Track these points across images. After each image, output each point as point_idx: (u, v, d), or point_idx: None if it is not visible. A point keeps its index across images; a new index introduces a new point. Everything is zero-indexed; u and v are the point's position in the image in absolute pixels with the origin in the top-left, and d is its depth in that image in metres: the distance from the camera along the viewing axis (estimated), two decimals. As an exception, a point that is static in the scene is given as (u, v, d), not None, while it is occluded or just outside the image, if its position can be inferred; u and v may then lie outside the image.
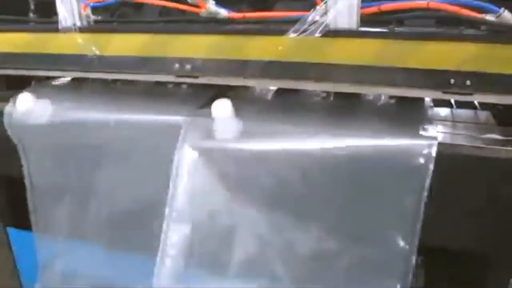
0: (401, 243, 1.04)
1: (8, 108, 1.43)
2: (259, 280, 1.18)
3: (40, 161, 1.48)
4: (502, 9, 0.98)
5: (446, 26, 1.08)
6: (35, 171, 1.50)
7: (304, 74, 1.08)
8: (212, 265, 1.23)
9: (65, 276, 1.54)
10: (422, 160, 1.01)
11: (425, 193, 1.00)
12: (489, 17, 0.99)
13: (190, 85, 1.46)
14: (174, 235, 1.20)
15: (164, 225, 1.21)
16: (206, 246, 1.21)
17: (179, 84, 1.50)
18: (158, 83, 1.55)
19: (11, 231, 1.77)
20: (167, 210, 1.21)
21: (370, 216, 1.07)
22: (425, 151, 1.01)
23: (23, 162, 1.51)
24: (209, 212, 1.19)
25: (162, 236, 1.21)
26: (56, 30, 1.29)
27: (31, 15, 1.64)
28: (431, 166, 0.99)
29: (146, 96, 1.43)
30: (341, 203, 1.09)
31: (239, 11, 1.23)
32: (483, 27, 1.02)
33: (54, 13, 1.53)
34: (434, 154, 1.00)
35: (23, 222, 1.71)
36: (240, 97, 1.36)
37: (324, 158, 1.07)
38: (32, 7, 1.64)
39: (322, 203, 1.10)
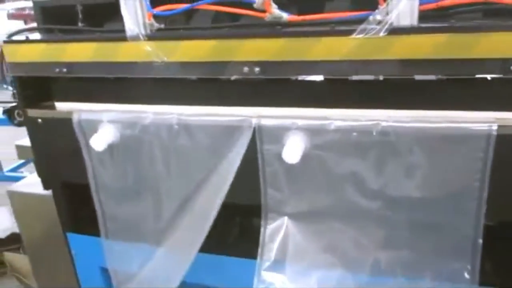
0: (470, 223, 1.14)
1: (76, 112, 1.51)
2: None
3: (107, 163, 1.56)
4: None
5: (499, 18, 1.16)
6: (102, 173, 1.59)
7: (373, 70, 1.16)
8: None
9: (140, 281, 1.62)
10: (484, 140, 1.10)
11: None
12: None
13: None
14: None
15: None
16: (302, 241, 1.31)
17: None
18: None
19: (71, 236, 1.85)
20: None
21: (442, 196, 1.17)
22: (487, 132, 1.10)
23: (88, 165, 1.59)
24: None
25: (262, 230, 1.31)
26: (124, 39, 1.36)
27: (79, 24, 1.70)
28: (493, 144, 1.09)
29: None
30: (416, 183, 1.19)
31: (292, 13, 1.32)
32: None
33: (104, 22, 1.63)
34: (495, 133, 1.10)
35: (82, 228, 1.81)
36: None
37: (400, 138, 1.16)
38: (80, 16, 1.70)
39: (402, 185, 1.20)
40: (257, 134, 1.30)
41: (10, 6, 7.36)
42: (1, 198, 3.62)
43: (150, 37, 1.35)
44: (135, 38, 1.35)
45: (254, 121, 1.30)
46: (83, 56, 1.43)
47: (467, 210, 1.16)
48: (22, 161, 4.24)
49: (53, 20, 1.66)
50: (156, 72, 1.38)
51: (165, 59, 1.34)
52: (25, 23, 3.53)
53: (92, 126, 1.50)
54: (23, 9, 3.47)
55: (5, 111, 3.67)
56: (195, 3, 1.30)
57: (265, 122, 1.29)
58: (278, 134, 1.28)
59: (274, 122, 1.29)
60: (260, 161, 1.33)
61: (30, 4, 3.79)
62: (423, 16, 1.15)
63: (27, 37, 1.57)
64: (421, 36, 1.11)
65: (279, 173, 1.31)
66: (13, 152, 4.39)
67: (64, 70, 1.47)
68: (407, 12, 1.13)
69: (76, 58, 1.45)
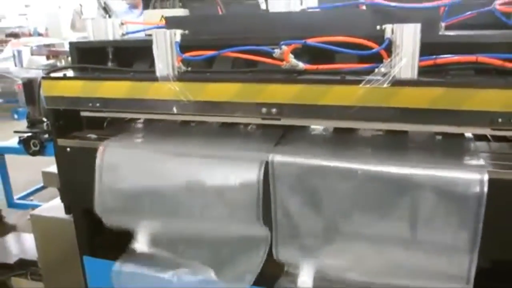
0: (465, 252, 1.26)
1: (104, 143, 1.66)
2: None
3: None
4: (537, 62, 1.23)
5: (489, 75, 1.32)
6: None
7: (377, 117, 1.32)
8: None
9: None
10: (478, 187, 1.24)
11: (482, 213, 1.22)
12: (526, 68, 1.25)
13: (257, 125, 1.71)
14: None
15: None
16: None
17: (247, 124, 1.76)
18: (224, 124, 1.80)
19: (86, 259, 1.95)
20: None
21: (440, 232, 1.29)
22: (480, 179, 1.24)
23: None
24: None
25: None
26: (155, 79, 1.53)
27: (109, 64, 1.87)
28: (485, 191, 1.23)
29: (222, 136, 1.68)
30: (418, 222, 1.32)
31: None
32: (521, 76, 1.27)
33: (132, 62, 1.81)
34: (486, 180, 1.23)
35: (97, 252, 1.91)
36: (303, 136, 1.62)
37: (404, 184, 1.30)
38: (110, 56, 1.87)
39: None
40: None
41: (27, 42, 7.67)
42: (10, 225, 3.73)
43: (179, 78, 1.51)
44: (165, 79, 1.52)
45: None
46: (116, 93, 1.59)
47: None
48: (32, 189, 4.36)
49: (86, 59, 1.83)
50: (183, 110, 1.53)
51: (191, 98, 1.50)
52: (47, 58, 3.74)
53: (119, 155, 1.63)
54: (46, 45, 3.70)
55: (21, 141, 3.83)
56: (222, 50, 1.47)
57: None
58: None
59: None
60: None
61: (52, 41, 4.01)
62: (423, 71, 1.32)
63: (64, 74, 1.73)
64: (420, 88, 1.27)
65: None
66: (24, 180, 4.54)
67: (98, 105, 1.63)
68: (409, 66, 1.30)
69: (110, 94, 1.60)
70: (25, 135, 3.82)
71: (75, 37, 4.53)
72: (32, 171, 4.77)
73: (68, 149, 1.76)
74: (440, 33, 1.47)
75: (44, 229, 2.00)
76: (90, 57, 1.83)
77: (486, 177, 1.23)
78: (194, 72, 1.55)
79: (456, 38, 1.40)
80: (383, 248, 1.35)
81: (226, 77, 1.49)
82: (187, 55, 1.51)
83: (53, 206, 2.03)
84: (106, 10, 4.14)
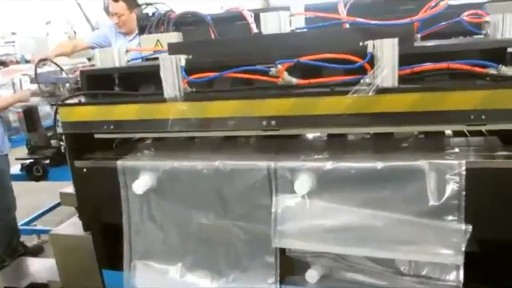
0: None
1: (121, 161, 1.81)
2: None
3: (144, 204, 1.83)
4: (500, 65, 1.42)
5: (461, 79, 1.51)
6: (137, 213, 1.86)
7: (364, 122, 1.50)
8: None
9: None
10: (457, 174, 1.42)
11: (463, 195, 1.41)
12: (492, 71, 1.44)
13: (258, 137, 1.88)
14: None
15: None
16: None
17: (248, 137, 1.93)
18: (227, 137, 1.97)
19: (106, 272, 2.08)
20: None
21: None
22: (458, 168, 1.42)
23: (125, 207, 1.86)
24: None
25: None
26: (163, 100, 1.69)
27: (116, 88, 2.03)
28: (463, 177, 1.41)
29: (228, 148, 1.84)
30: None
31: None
32: (488, 78, 1.45)
33: (138, 85, 1.97)
34: (464, 168, 1.41)
35: (116, 264, 2.05)
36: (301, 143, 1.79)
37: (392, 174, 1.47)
38: (116, 81, 2.03)
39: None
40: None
41: (18, 70, 7.79)
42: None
43: (186, 99, 1.68)
44: (173, 100, 1.68)
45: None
46: (128, 115, 1.76)
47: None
48: (35, 214, 4.47)
49: (95, 85, 1.99)
50: (189, 127, 1.69)
51: (197, 116, 1.66)
52: (46, 87, 3.87)
53: (134, 173, 1.79)
54: (43, 74, 3.86)
55: (24, 168, 3.96)
56: (223, 72, 1.64)
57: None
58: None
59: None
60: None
61: (49, 69, 4.13)
62: (403, 79, 1.50)
63: (79, 100, 1.89)
64: (400, 95, 1.46)
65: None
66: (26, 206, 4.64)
67: (112, 127, 1.79)
68: (389, 76, 1.47)
69: (123, 117, 1.77)
70: (27, 161, 3.95)
71: (71, 63, 4.68)
72: (31, 197, 4.90)
73: (85, 169, 1.91)
74: (416, 44, 1.66)
75: (64, 247, 2.13)
76: (98, 84, 1.98)
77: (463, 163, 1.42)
78: (198, 92, 1.71)
79: (430, 48, 1.59)
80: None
81: (228, 95, 1.66)
82: (191, 77, 1.68)
83: (70, 225, 2.17)
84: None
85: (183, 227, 1.80)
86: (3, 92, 7.05)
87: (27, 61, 12.21)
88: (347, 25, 1.79)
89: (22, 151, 4.55)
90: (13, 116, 7.61)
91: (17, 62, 12.44)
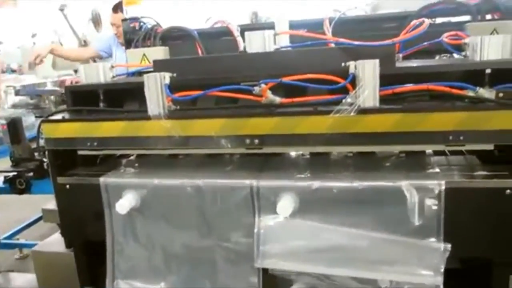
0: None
1: (103, 178, 1.80)
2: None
3: (128, 222, 1.83)
4: (478, 87, 1.45)
5: (440, 100, 1.54)
6: (121, 231, 1.85)
7: (346, 141, 1.52)
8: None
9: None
10: (436, 194, 1.44)
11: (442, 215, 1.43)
12: (470, 93, 1.47)
13: (241, 154, 1.89)
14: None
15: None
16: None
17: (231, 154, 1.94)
18: (210, 155, 1.97)
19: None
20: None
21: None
22: (438, 187, 1.44)
23: (108, 224, 1.85)
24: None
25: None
26: (147, 118, 1.70)
27: (101, 104, 2.02)
28: (443, 197, 1.43)
29: (211, 166, 1.84)
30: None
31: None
32: (466, 100, 1.49)
33: (123, 101, 1.97)
34: (444, 188, 1.44)
35: (97, 282, 2.03)
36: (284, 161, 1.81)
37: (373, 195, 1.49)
38: (101, 97, 2.03)
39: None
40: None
41: (4, 80, 7.72)
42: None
43: (169, 116, 1.68)
44: (157, 117, 1.69)
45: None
46: (112, 132, 1.75)
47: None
48: (17, 228, 4.39)
49: (80, 101, 1.99)
50: (174, 144, 1.70)
51: (182, 133, 1.67)
52: (31, 98, 3.86)
53: (117, 191, 1.78)
54: (28, 86, 3.84)
55: (7, 180, 3.90)
56: (207, 90, 1.65)
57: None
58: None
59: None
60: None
61: (34, 80, 4.10)
62: (386, 99, 1.53)
63: (63, 117, 1.88)
64: (381, 115, 1.48)
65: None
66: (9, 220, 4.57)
67: (95, 143, 1.78)
68: (371, 97, 1.50)
69: (106, 134, 1.76)
70: (11, 174, 3.90)
71: (57, 75, 4.66)
72: (12, 211, 4.83)
73: (67, 186, 1.90)
74: (398, 64, 1.69)
75: (46, 264, 2.11)
76: (83, 99, 1.98)
77: (443, 183, 1.44)
78: (182, 110, 1.72)
79: (410, 69, 1.62)
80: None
81: (212, 113, 1.67)
82: (176, 95, 1.69)
83: (52, 242, 2.15)
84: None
85: (166, 246, 1.79)
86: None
87: (13, 71, 12.13)
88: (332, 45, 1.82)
89: (5, 163, 4.51)
90: (-4, 127, 7.55)
91: (3, 72, 12.33)
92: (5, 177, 3.89)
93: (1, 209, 4.13)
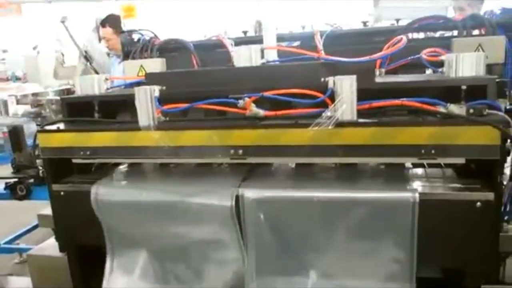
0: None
1: (94, 186, 1.89)
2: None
3: (120, 229, 1.90)
4: (449, 104, 1.53)
5: (414, 115, 1.61)
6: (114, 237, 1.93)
7: (325, 152, 1.59)
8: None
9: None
10: (410, 205, 1.51)
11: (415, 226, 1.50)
12: (441, 109, 1.55)
13: (228, 164, 1.97)
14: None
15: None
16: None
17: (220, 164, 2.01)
18: (200, 164, 2.05)
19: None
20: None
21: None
22: (412, 199, 1.52)
23: (105, 230, 1.93)
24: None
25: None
26: (138, 128, 1.78)
27: (96, 114, 2.10)
28: (417, 208, 1.50)
29: (198, 175, 1.93)
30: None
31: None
32: (437, 115, 1.56)
33: (116, 113, 2.05)
34: (417, 200, 1.51)
35: (90, 285, 2.10)
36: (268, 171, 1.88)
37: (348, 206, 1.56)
38: (96, 108, 2.11)
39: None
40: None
41: (7, 88, 7.86)
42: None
43: (158, 127, 1.76)
44: (147, 128, 1.77)
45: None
46: (104, 142, 1.84)
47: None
48: (17, 233, 4.48)
49: (75, 111, 2.07)
50: (163, 154, 1.78)
51: (170, 144, 1.75)
52: (32, 106, 3.96)
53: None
54: (32, 94, 3.95)
55: (8, 187, 3.99)
56: (194, 103, 1.73)
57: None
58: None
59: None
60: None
61: (36, 89, 4.19)
62: (367, 112, 1.60)
63: (58, 127, 1.97)
64: (358, 128, 1.56)
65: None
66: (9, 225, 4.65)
67: (88, 153, 1.87)
68: (349, 110, 1.58)
69: (99, 143, 1.85)
70: (12, 180, 3.99)
71: (58, 84, 4.77)
72: (13, 216, 4.91)
73: (62, 193, 1.98)
74: (378, 79, 1.77)
75: (40, 267, 2.18)
76: (78, 110, 2.06)
77: (417, 196, 1.52)
78: (171, 121, 1.80)
79: (388, 84, 1.71)
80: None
81: (199, 125, 1.75)
82: (165, 107, 1.77)
83: (46, 246, 2.22)
84: (87, 58, 4.41)
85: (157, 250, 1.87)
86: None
87: (18, 78, 12.30)
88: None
89: (4, 169, 4.59)
90: (-4, 134, 7.67)
91: (7, 79, 12.51)
92: (6, 183, 3.99)
93: (2, 214, 4.21)
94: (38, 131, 1.96)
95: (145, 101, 1.77)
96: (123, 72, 2.63)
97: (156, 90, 1.78)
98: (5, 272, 3.91)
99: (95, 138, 1.85)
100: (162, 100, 1.79)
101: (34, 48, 6.78)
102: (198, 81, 1.86)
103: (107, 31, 4.15)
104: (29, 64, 10.36)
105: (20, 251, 4.33)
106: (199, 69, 2.24)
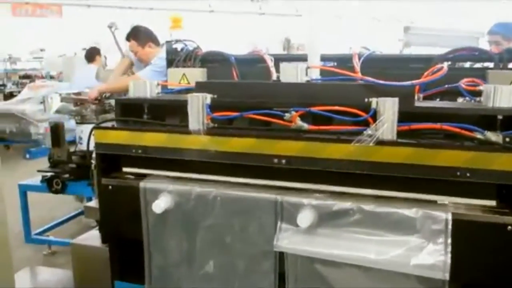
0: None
1: (142, 183, 2.02)
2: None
3: (161, 225, 2.03)
4: (486, 131, 1.62)
5: (451, 139, 1.71)
6: (154, 232, 2.05)
7: (364, 167, 1.70)
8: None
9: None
10: (443, 222, 1.60)
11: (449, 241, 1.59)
12: (478, 135, 1.64)
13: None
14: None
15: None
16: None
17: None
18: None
19: (117, 283, 2.25)
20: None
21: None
22: (445, 217, 1.60)
23: (144, 225, 2.06)
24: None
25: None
26: (188, 132, 1.91)
27: (145, 116, 2.24)
28: (450, 226, 1.59)
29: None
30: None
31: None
32: (475, 141, 1.65)
33: (164, 115, 2.19)
34: (450, 218, 1.59)
35: (128, 277, 2.22)
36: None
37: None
38: (145, 110, 2.25)
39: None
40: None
41: (44, 85, 8.18)
42: (25, 260, 3.99)
43: (207, 132, 1.89)
44: (197, 132, 1.90)
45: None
46: (156, 142, 1.98)
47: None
48: (48, 225, 4.66)
49: (127, 112, 2.22)
50: (209, 158, 1.90)
51: (217, 149, 1.88)
52: (75, 105, 4.15)
53: (154, 194, 1.99)
54: (75, 93, 4.14)
55: (45, 180, 4.18)
56: (244, 112, 1.86)
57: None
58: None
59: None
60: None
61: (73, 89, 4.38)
62: (402, 133, 1.70)
63: (113, 125, 2.12)
64: (397, 148, 1.66)
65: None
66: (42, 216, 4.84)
67: (140, 151, 2.01)
68: (389, 130, 1.68)
69: (150, 143, 1.99)
70: (48, 174, 4.18)
71: (98, 85, 4.96)
72: (43, 209, 5.11)
73: (110, 187, 2.12)
74: (417, 103, 1.87)
75: (82, 257, 2.32)
76: (130, 111, 2.22)
77: (450, 215, 1.60)
78: (219, 128, 1.93)
79: (427, 109, 1.80)
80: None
81: (246, 133, 1.87)
82: (215, 114, 1.90)
83: (89, 237, 2.37)
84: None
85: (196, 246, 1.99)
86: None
87: (52, 77, 12.74)
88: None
89: (39, 163, 4.80)
90: (34, 129, 7.96)
91: (42, 77, 12.97)
92: (42, 176, 4.18)
93: (36, 206, 4.40)
94: (94, 127, 2.11)
95: (197, 107, 1.90)
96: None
97: (208, 97, 1.91)
98: (35, 263, 4.07)
99: (147, 137, 1.99)
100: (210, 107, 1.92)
101: (83, 49, 7.06)
102: (246, 92, 1.99)
103: (132, 44, 4.33)
104: (66, 64, 10.76)
105: (50, 243, 4.50)
106: (247, 81, 2.38)
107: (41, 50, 13.67)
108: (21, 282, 3.52)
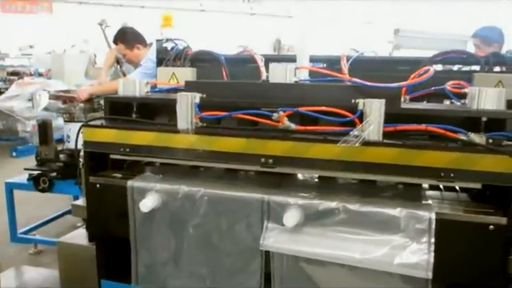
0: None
1: (130, 182, 2.02)
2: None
3: (148, 224, 2.03)
4: (470, 132, 1.65)
5: (436, 140, 1.73)
6: (142, 231, 2.05)
7: (350, 168, 1.72)
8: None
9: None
10: (427, 222, 1.62)
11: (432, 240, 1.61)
12: (462, 137, 1.67)
13: (256, 172, 2.09)
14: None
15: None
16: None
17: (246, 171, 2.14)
18: (228, 170, 2.17)
19: (104, 282, 2.25)
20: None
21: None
22: (428, 216, 1.63)
23: (132, 224, 2.06)
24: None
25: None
26: (176, 131, 1.92)
27: (133, 115, 2.24)
28: (433, 225, 1.61)
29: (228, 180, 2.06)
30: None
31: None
32: (458, 142, 1.68)
33: (153, 114, 2.20)
34: (434, 218, 1.62)
35: (114, 276, 2.22)
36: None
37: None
38: (134, 109, 2.25)
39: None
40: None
41: (32, 82, 8.12)
42: (10, 260, 3.95)
43: (196, 132, 1.90)
44: (185, 132, 1.91)
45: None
46: (144, 141, 1.98)
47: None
48: (34, 224, 4.61)
49: (116, 110, 2.22)
50: (197, 157, 1.91)
51: (205, 148, 1.88)
52: (63, 103, 4.13)
53: (141, 193, 1.99)
54: (63, 91, 4.11)
55: (32, 178, 4.14)
56: (232, 112, 1.87)
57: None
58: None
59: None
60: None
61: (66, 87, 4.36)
62: (391, 134, 1.73)
63: (101, 123, 2.12)
64: (383, 148, 1.68)
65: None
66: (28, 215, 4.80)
67: (128, 150, 2.01)
68: (375, 131, 1.70)
69: (139, 142, 1.99)
70: (35, 172, 4.14)
71: (88, 83, 4.94)
72: (29, 208, 5.06)
73: (98, 185, 2.12)
74: (403, 105, 1.89)
75: (68, 255, 2.31)
76: (118, 110, 2.22)
77: (433, 215, 1.63)
78: (208, 127, 1.94)
79: (413, 110, 1.83)
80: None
81: (234, 132, 1.88)
82: (204, 114, 1.91)
83: (76, 235, 2.36)
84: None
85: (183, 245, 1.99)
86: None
87: (40, 74, 12.63)
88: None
89: (26, 161, 4.75)
90: (21, 127, 7.90)
91: (31, 74, 12.84)
92: (29, 174, 4.14)
93: (22, 205, 4.35)
94: (83, 125, 2.10)
95: (186, 107, 1.91)
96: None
97: (197, 97, 1.92)
98: (21, 262, 4.02)
99: (135, 136, 1.99)
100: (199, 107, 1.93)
101: (72, 46, 7.01)
102: (235, 93, 2.00)
103: (120, 47, 4.28)
104: (55, 61, 10.67)
105: (36, 242, 4.46)
106: (236, 81, 2.38)
107: (30, 46, 13.53)
108: (6, 281, 3.50)
